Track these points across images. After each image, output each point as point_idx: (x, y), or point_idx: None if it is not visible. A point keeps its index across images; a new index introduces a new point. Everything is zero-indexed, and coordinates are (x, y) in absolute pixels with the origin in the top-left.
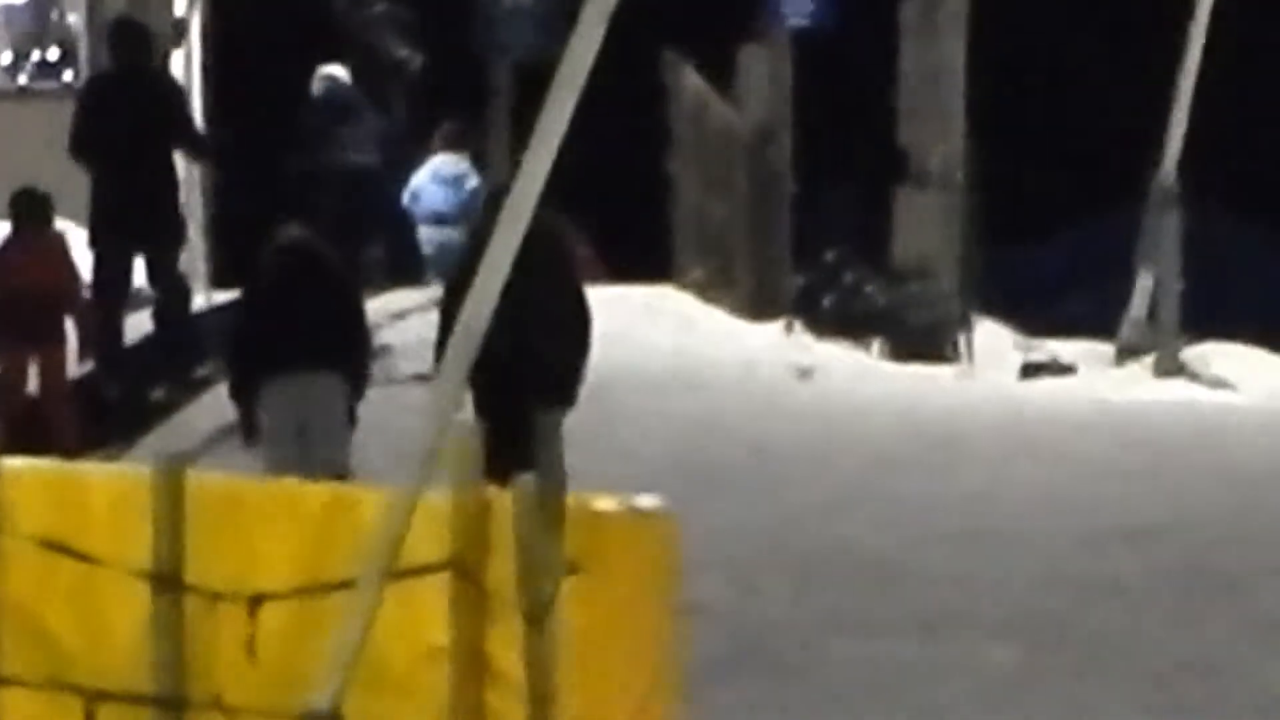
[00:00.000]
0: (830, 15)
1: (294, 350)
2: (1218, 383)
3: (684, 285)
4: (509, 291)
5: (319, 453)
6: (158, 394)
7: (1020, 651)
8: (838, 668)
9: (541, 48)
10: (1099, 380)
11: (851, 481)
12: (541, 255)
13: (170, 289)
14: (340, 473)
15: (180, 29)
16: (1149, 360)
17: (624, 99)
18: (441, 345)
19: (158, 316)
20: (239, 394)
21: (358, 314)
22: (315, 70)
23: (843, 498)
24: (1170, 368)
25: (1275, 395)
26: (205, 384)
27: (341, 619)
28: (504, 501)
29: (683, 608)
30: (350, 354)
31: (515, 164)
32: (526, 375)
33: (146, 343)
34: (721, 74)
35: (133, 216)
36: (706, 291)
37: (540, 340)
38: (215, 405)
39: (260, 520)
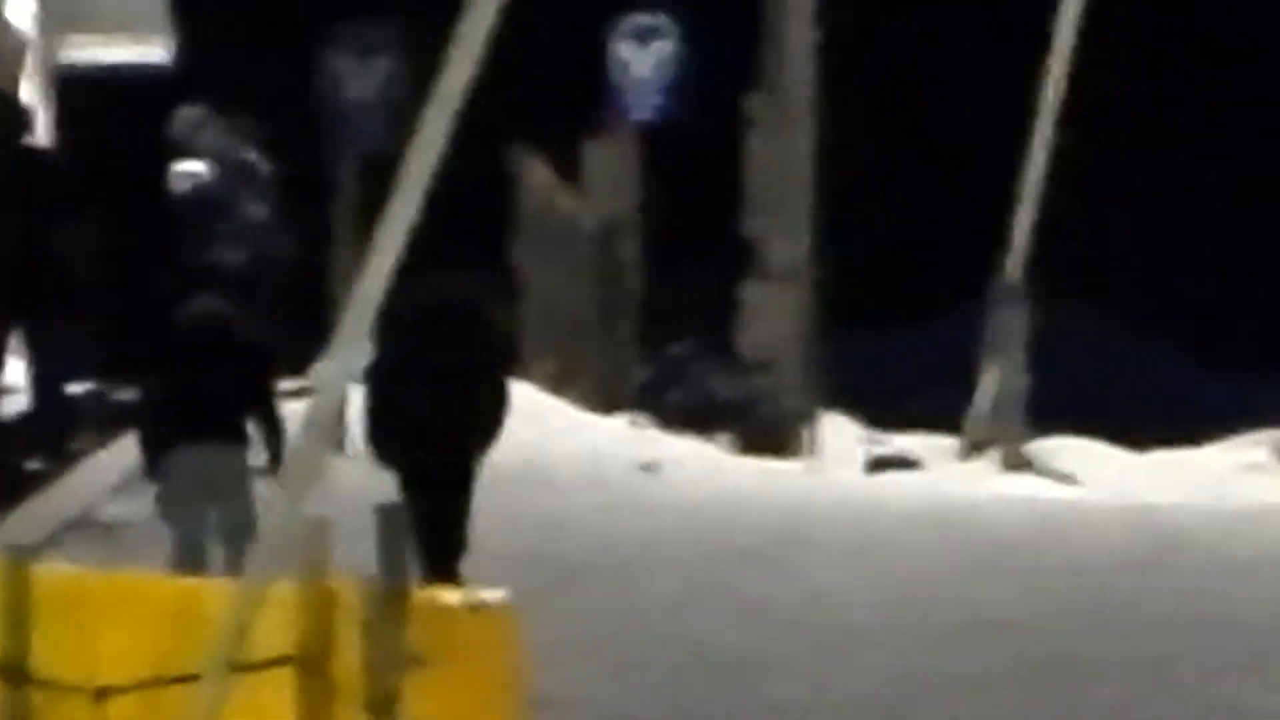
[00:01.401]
0: (676, 108)
1: (203, 420)
2: (1064, 477)
3: (533, 377)
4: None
5: (226, 523)
6: (33, 465)
7: None
8: None
9: (387, 141)
10: (945, 475)
11: (699, 576)
12: (461, 330)
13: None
14: (244, 544)
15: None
16: (995, 455)
17: (469, 191)
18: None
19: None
20: (148, 462)
21: (268, 386)
22: (169, 170)
23: (690, 592)
24: (1016, 462)
25: (1121, 490)
26: (77, 456)
27: (188, 711)
28: (350, 593)
29: (530, 701)
30: (262, 424)
31: (361, 258)
32: (450, 425)
33: (23, 416)
34: (568, 167)
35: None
36: (555, 384)
37: (460, 393)
38: (87, 478)
39: (108, 612)
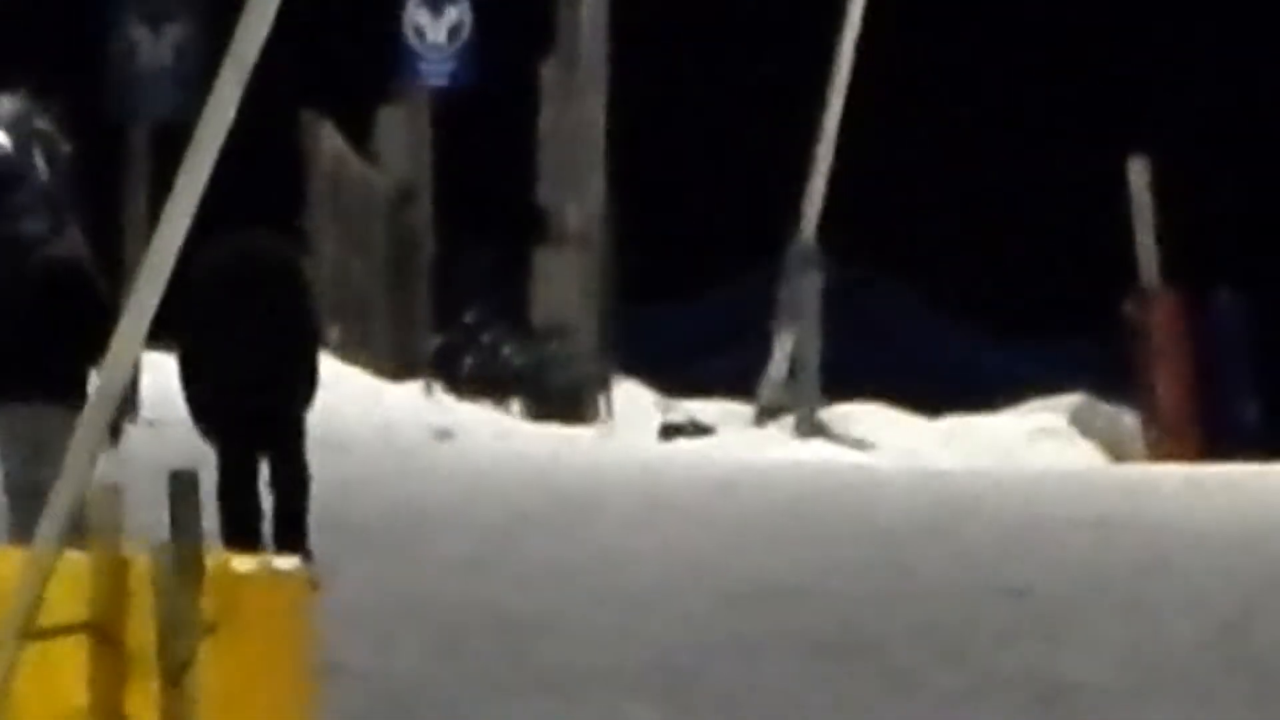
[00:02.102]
0: (470, 75)
1: (38, 378)
2: (856, 443)
3: (323, 344)
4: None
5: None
6: None
7: (658, 710)
8: None
9: (176, 109)
10: (738, 441)
11: (491, 541)
12: (277, 287)
13: None
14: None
15: None
16: (788, 421)
17: (261, 159)
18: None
19: None
20: None
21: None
22: None
23: (483, 557)
24: (809, 428)
25: (913, 454)
26: None
27: None
28: (143, 561)
29: (322, 667)
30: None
31: (151, 227)
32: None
33: None
34: (361, 133)
35: None
36: (345, 351)
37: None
38: None
39: None
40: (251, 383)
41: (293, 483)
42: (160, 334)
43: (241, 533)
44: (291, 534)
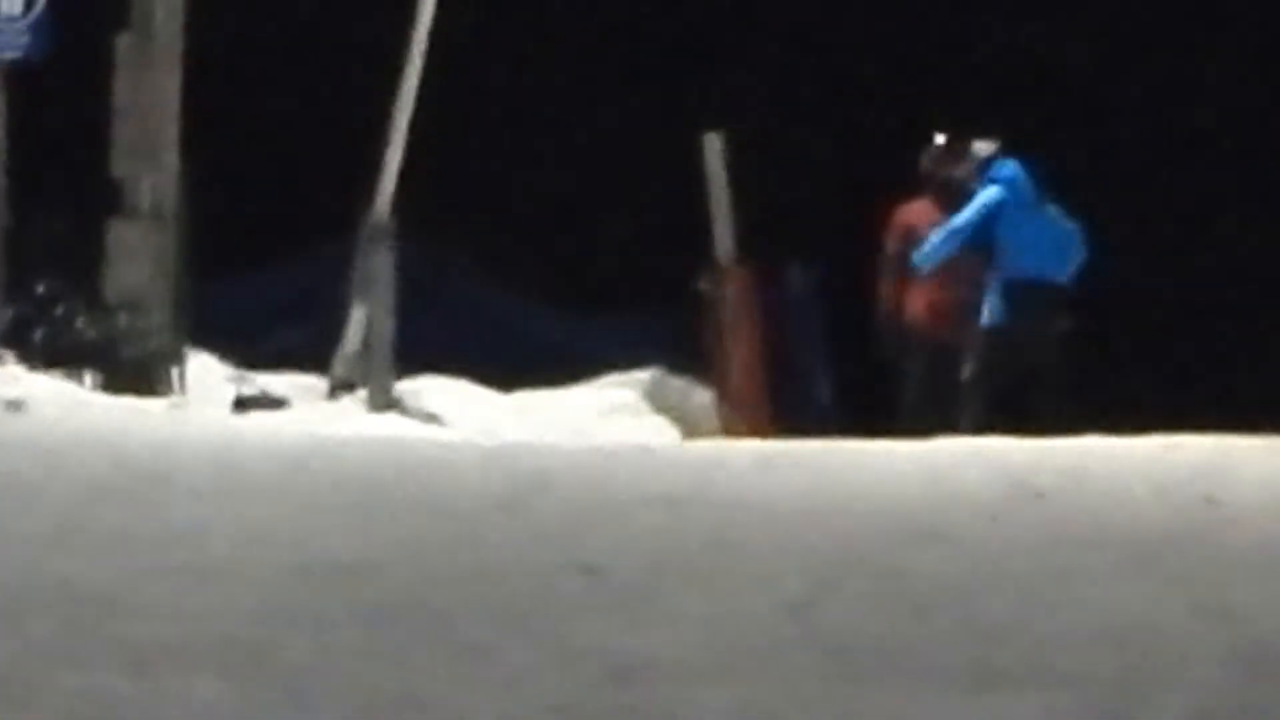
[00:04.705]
0: (44, 48)
1: None
2: (429, 417)
3: None
4: None
5: None
6: None
7: (227, 683)
8: (51, 701)
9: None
10: (312, 415)
11: (62, 515)
12: None
13: None
14: None
15: None
16: (362, 395)
17: None
18: None
19: None
20: None
21: None
22: None
23: (54, 531)
24: (383, 402)
25: (484, 430)
26: None
27: None
28: None
29: None
30: None
31: None
32: None
33: None
34: None
35: None
36: None
37: None
38: None
39: None
40: None
41: None
42: None
43: None
44: None
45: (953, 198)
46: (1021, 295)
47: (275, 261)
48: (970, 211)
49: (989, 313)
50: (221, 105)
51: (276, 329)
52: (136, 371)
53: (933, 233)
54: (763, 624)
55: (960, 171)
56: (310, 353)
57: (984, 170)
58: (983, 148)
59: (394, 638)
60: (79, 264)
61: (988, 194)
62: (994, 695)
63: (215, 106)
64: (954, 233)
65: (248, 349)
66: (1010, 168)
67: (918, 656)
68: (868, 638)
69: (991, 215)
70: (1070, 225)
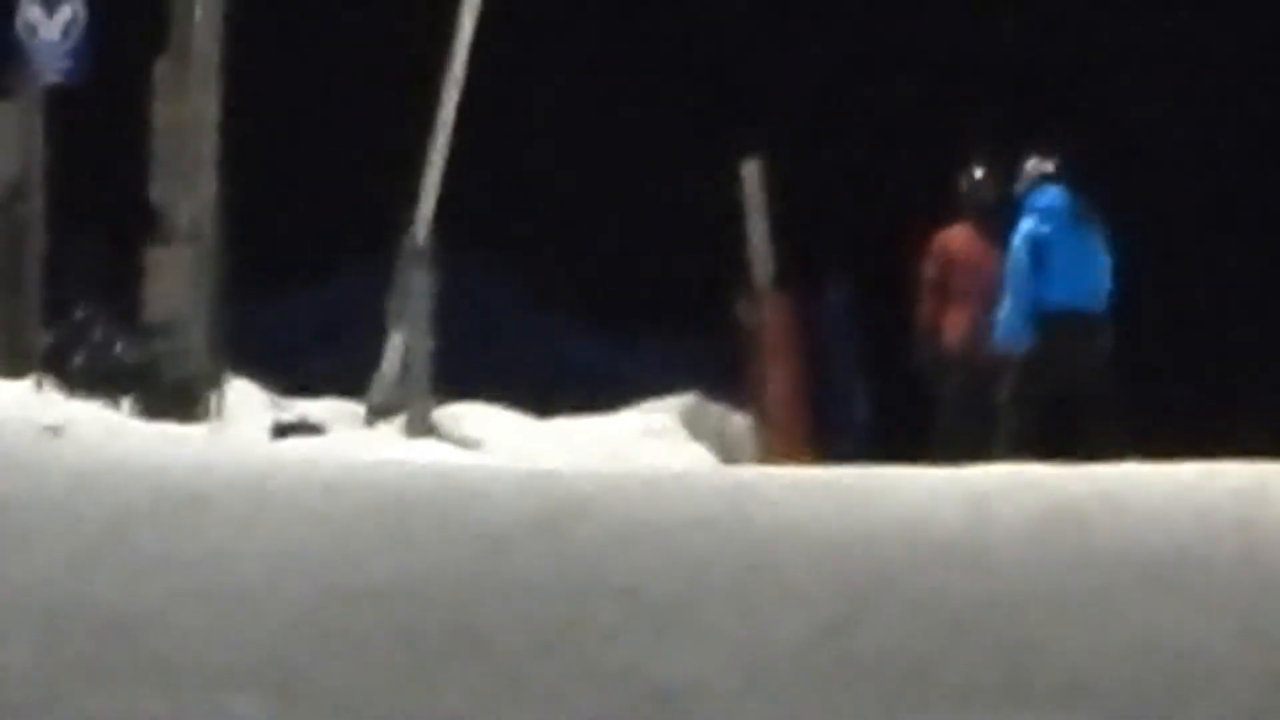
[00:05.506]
0: (84, 72)
1: None
2: (467, 443)
3: None
4: None
5: None
6: None
7: (265, 705)
8: None
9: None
10: (350, 440)
11: (100, 539)
12: None
13: None
14: None
15: None
16: (400, 420)
17: None
18: None
19: None
20: None
21: None
22: None
23: (91, 555)
24: (421, 428)
25: (522, 455)
26: None
27: None
28: None
29: None
30: None
31: None
32: None
33: None
34: None
35: None
36: None
37: None
38: None
39: None
40: None
41: None
42: None
43: None
44: None
45: (992, 223)
46: (1056, 323)
47: (313, 285)
48: (1015, 261)
49: (1006, 335)
50: (259, 128)
51: (315, 353)
52: (175, 396)
53: (999, 299)
54: (799, 646)
55: (994, 192)
56: (349, 377)
57: (1029, 193)
58: (1036, 166)
59: (431, 660)
60: (118, 288)
61: (1024, 229)
62: (1030, 714)
63: (253, 130)
64: (1016, 294)
65: (287, 373)
66: (1051, 194)
67: (954, 676)
68: (904, 659)
69: (1035, 250)
70: (1105, 258)
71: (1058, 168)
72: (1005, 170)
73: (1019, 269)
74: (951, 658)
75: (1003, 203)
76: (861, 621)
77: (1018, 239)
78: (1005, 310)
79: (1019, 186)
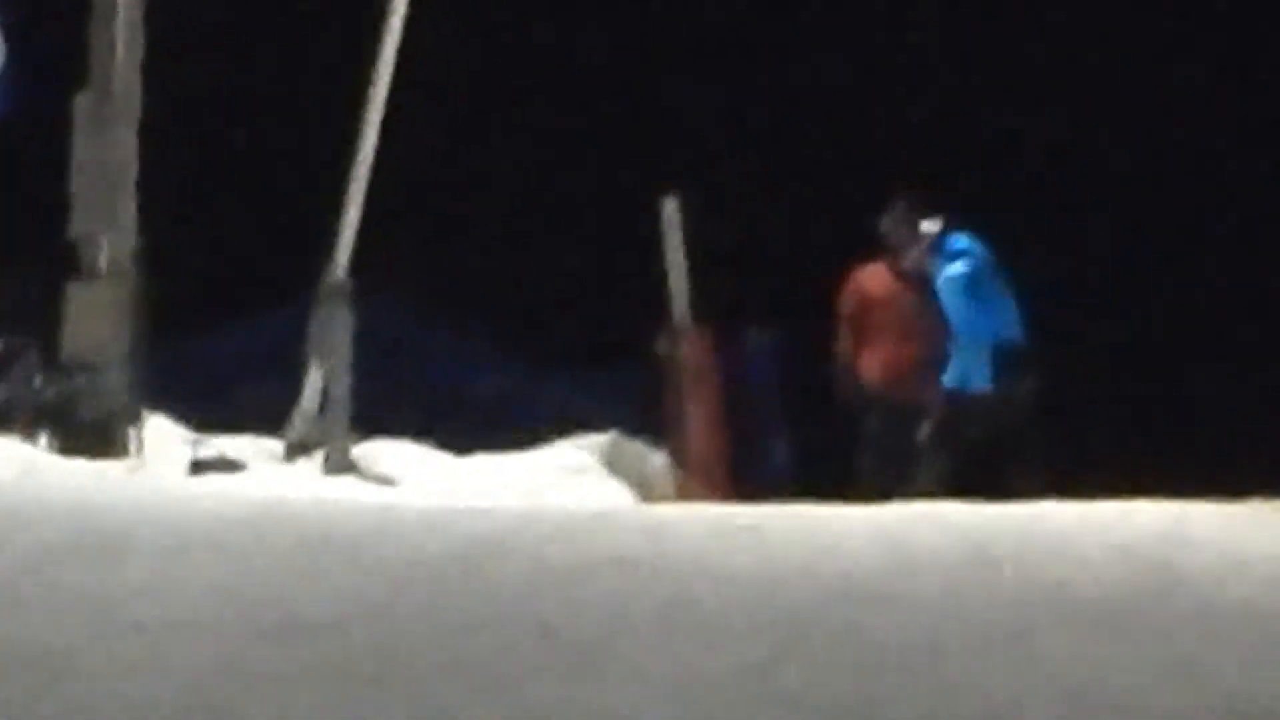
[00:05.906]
0: (6, 105)
1: None
2: (384, 480)
3: None
4: None
5: None
6: None
7: None
8: None
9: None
10: (269, 476)
11: (19, 575)
12: None
13: None
14: None
15: None
16: (319, 457)
17: None
18: None
19: None
20: None
21: None
22: None
23: (10, 591)
24: (340, 464)
25: (441, 492)
26: None
27: None
28: None
29: None
30: None
31: None
32: None
33: None
34: None
35: None
36: None
37: None
38: None
39: None
40: None
41: None
42: None
43: None
44: None
45: (909, 262)
46: (990, 359)
47: (233, 321)
48: (955, 301)
49: (954, 376)
50: (179, 163)
51: (235, 389)
52: (93, 433)
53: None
54: (724, 684)
55: (911, 258)
56: (269, 413)
57: (937, 247)
58: (930, 226)
59: (354, 697)
60: (38, 324)
61: (953, 271)
62: None
63: (173, 165)
64: (969, 333)
65: (206, 410)
66: (963, 240)
67: (878, 716)
68: (827, 698)
69: (970, 289)
70: (1009, 300)
71: (946, 225)
72: (926, 208)
73: (962, 307)
74: (876, 696)
75: (919, 243)
76: (782, 661)
77: (951, 281)
78: (960, 350)
79: (920, 250)
